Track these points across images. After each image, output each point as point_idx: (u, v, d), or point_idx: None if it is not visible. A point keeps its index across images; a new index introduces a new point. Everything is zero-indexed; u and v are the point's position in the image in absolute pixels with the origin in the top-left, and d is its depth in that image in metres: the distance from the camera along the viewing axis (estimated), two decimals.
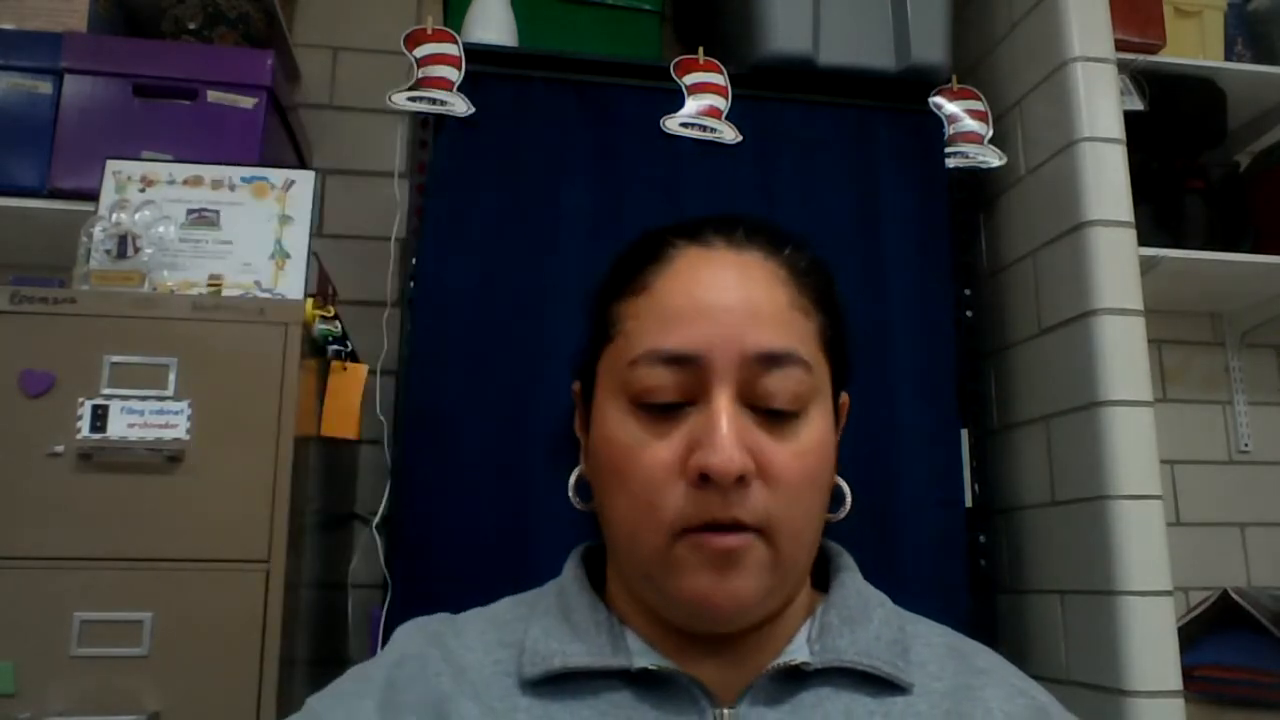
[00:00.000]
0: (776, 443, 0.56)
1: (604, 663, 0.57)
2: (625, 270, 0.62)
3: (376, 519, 1.50)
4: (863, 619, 0.61)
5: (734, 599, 0.54)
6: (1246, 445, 1.95)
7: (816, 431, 0.58)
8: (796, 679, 0.57)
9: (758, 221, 0.63)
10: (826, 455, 0.59)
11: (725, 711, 0.56)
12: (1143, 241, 1.48)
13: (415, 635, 0.62)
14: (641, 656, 0.57)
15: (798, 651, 0.59)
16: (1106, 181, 1.47)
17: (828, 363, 0.61)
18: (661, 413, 0.56)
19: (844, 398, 0.65)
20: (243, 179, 1.35)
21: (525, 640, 0.59)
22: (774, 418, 0.56)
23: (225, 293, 1.28)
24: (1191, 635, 1.58)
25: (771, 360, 0.56)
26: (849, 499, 0.63)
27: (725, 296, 0.57)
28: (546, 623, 0.60)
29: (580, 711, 0.56)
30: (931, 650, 0.61)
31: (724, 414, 0.54)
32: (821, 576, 0.66)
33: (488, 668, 0.59)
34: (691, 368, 0.56)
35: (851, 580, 0.64)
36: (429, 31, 1.51)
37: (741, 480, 0.53)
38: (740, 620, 0.56)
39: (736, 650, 0.59)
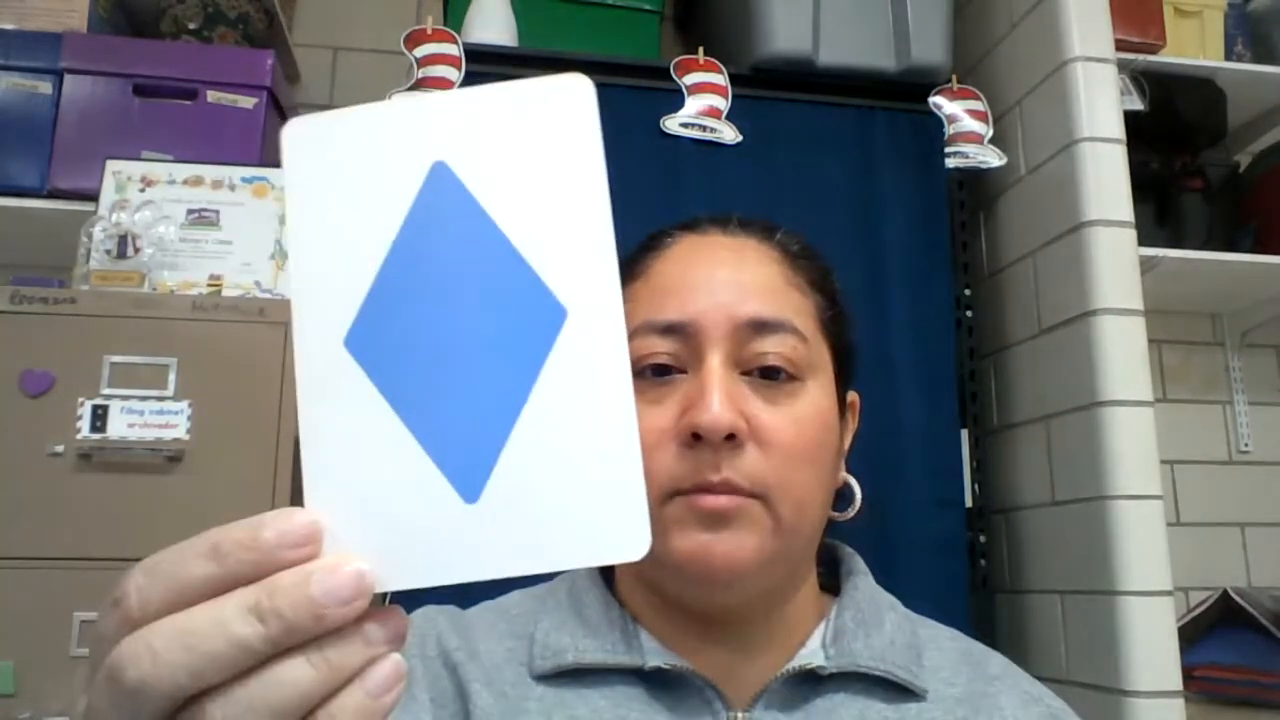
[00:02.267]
0: (770, 408, 0.56)
1: (617, 660, 0.57)
2: (627, 263, 0.64)
3: None
4: (876, 622, 0.60)
5: (730, 556, 0.53)
6: (1246, 445, 1.95)
7: (814, 404, 0.57)
8: (811, 683, 0.57)
9: (751, 216, 0.65)
10: (825, 430, 0.58)
11: (739, 715, 0.56)
12: (1143, 241, 1.48)
13: (436, 618, 0.62)
14: (655, 655, 0.57)
15: (812, 655, 0.58)
16: (1106, 181, 1.47)
17: (828, 345, 0.61)
18: (656, 382, 0.57)
19: (853, 397, 0.65)
20: (243, 179, 1.35)
21: (536, 633, 0.59)
22: (769, 386, 0.56)
23: (225, 293, 1.28)
24: (1191, 635, 1.58)
25: (763, 326, 0.57)
26: (859, 498, 0.63)
27: (718, 273, 0.59)
28: (558, 617, 0.60)
29: (594, 700, 0.55)
30: (944, 655, 0.61)
31: (715, 375, 0.55)
32: (831, 579, 0.66)
33: (499, 654, 0.59)
34: (684, 336, 0.57)
35: (864, 583, 0.64)
36: (429, 31, 1.51)
37: (733, 439, 0.54)
38: (739, 585, 0.56)
39: (749, 649, 0.59)
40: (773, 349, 0.56)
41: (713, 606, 0.58)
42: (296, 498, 0.31)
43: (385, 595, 0.31)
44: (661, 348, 0.57)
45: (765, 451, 0.55)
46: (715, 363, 0.56)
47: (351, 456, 0.31)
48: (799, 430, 0.56)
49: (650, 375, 0.57)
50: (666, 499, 0.54)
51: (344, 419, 0.31)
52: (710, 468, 0.53)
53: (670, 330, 0.57)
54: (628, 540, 0.30)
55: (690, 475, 0.54)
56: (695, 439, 0.54)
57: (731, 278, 0.58)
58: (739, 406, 0.55)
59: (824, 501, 0.59)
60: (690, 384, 0.56)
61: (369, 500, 0.30)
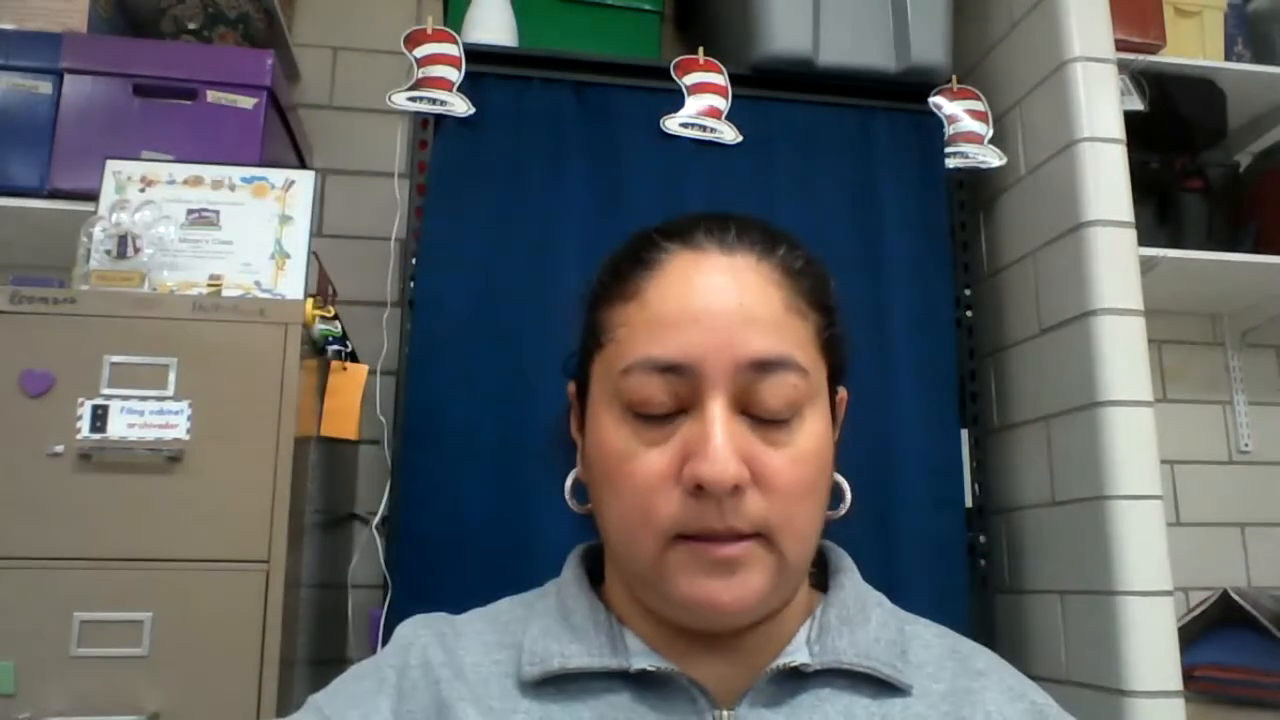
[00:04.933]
0: (772, 450, 0.55)
1: (603, 663, 0.57)
2: (616, 275, 0.61)
3: (376, 519, 1.50)
4: (861, 619, 0.60)
5: (739, 600, 0.54)
6: (1246, 445, 1.95)
7: (813, 436, 0.57)
8: (796, 680, 0.57)
9: (749, 221, 0.62)
10: (824, 458, 0.58)
11: (725, 713, 0.56)
12: (1143, 241, 1.48)
13: (421, 631, 0.62)
14: (640, 657, 0.57)
15: (797, 652, 0.58)
16: (1106, 181, 1.47)
17: (825, 363, 0.60)
18: (655, 421, 0.56)
19: (842, 393, 0.65)
20: (243, 179, 1.35)
21: (524, 641, 0.59)
22: (769, 424, 0.56)
23: (225, 293, 1.28)
24: (1191, 635, 1.58)
25: (766, 367, 0.55)
26: (849, 496, 0.63)
27: (717, 302, 0.56)
28: (545, 623, 0.60)
29: (579, 713, 0.56)
30: (930, 651, 0.61)
31: (718, 423, 0.54)
32: (819, 576, 0.66)
33: (487, 667, 0.59)
34: (685, 376, 0.55)
35: (850, 580, 0.64)
36: (429, 31, 1.51)
37: (736, 489, 0.53)
38: (744, 620, 0.57)
39: (735, 649, 0.59)
40: (775, 391, 0.55)
41: (711, 631, 0.59)
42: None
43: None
44: (661, 389, 0.55)
45: (767, 494, 0.54)
46: (717, 409, 0.54)
47: None
48: (800, 470, 0.56)
49: (649, 416, 0.56)
50: (670, 543, 0.54)
51: None
52: (714, 518, 0.53)
53: (670, 369, 0.55)
54: None
55: (694, 522, 0.54)
56: (699, 489, 0.53)
57: (732, 307, 0.56)
58: (741, 451, 0.54)
59: (821, 520, 0.60)
60: (691, 426, 0.55)
61: None
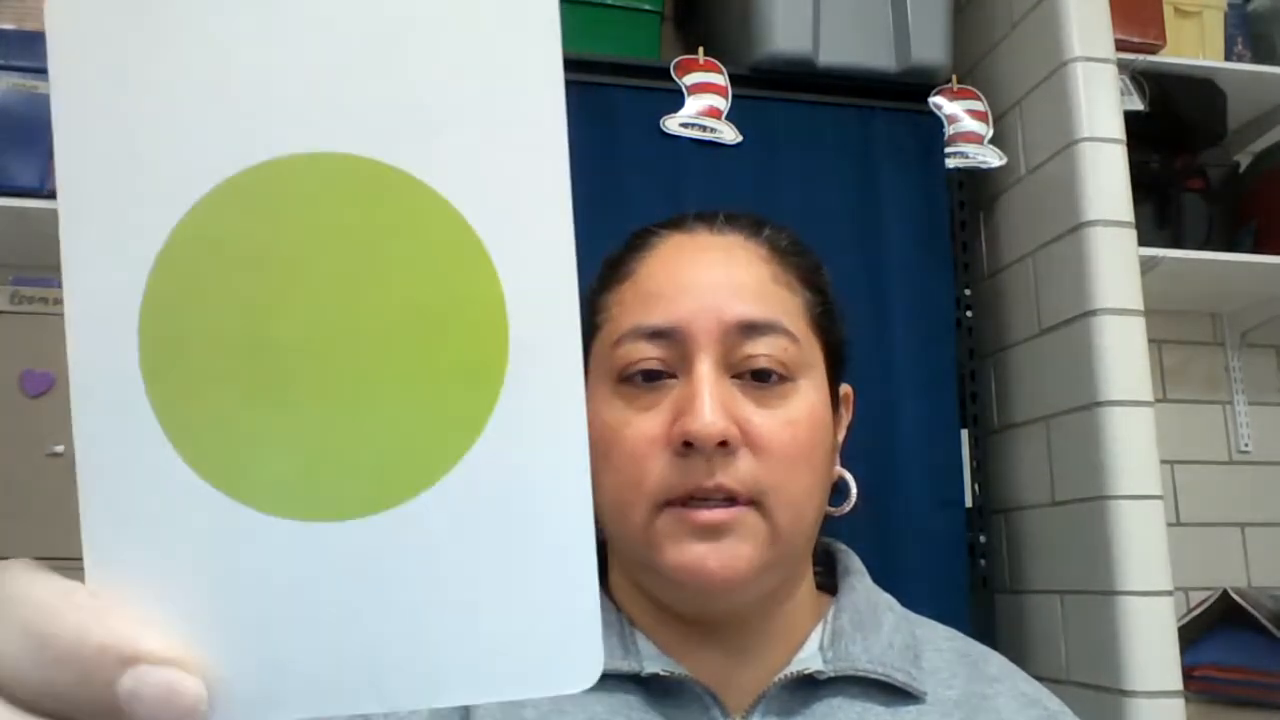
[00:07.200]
0: (764, 411, 0.55)
1: (614, 665, 0.56)
2: (611, 264, 0.64)
3: None
4: (874, 624, 0.60)
5: (728, 568, 0.53)
6: (1246, 445, 1.95)
7: (806, 404, 0.57)
8: (809, 687, 0.57)
9: (738, 211, 0.64)
10: (819, 430, 0.58)
11: None
12: (1143, 241, 1.48)
13: None
14: (653, 661, 0.57)
15: (810, 659, 0.58)
16: (1106, 181, 1.47)
17: (819, 342, 0.61)
18: (646, 388, 0.56)
19: (846, 389, 0.65)
20: None
21: None
22: (761, 389, 0.56)
23: None
24: (1191, 635, 1.58)
25: (753, 328, 0.56)
26: (854, 492, 0.63)
27: (706, 274, 0.58)
28: None
29: (592, 706, 0.55)
30: (942, 657, 0.61)
31: (705, 380, 0.54)
32: (827, 578, 0.66)
33: None
34: (673, 341, 0.56)
35: (861, 583, 0.64)
36: None
37: (725, 446, 0.53)
38: (736, 594, 0.55)
39: (743, 649, 0.58)
40: (763, 351, 0.56)
41: (708, 614, 0.58)
42: None
43: None
44: (650, 353, 0.56)
45: (759, 456, 0.54)
46: (705, 368, 0.55)
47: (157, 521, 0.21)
48: (792, 432, 0.55)
49: (640, 381, 0.56)
50: (659, 510, 0.54)
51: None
52: (703, 475, 0.53)
53: (658, 335, 0.56)
54: (578, 668, 0.23)
55: (683, 483, 0.54)
56: (687, 447, 0.53)
57: (720, 279, 0.58)
58: (731, 412, 0.54)
59: (820, 501, 0.59)
60: (681, 390, 0.55)
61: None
